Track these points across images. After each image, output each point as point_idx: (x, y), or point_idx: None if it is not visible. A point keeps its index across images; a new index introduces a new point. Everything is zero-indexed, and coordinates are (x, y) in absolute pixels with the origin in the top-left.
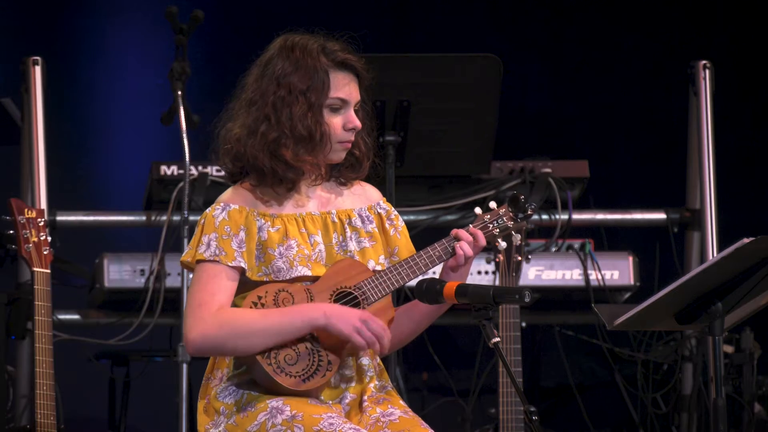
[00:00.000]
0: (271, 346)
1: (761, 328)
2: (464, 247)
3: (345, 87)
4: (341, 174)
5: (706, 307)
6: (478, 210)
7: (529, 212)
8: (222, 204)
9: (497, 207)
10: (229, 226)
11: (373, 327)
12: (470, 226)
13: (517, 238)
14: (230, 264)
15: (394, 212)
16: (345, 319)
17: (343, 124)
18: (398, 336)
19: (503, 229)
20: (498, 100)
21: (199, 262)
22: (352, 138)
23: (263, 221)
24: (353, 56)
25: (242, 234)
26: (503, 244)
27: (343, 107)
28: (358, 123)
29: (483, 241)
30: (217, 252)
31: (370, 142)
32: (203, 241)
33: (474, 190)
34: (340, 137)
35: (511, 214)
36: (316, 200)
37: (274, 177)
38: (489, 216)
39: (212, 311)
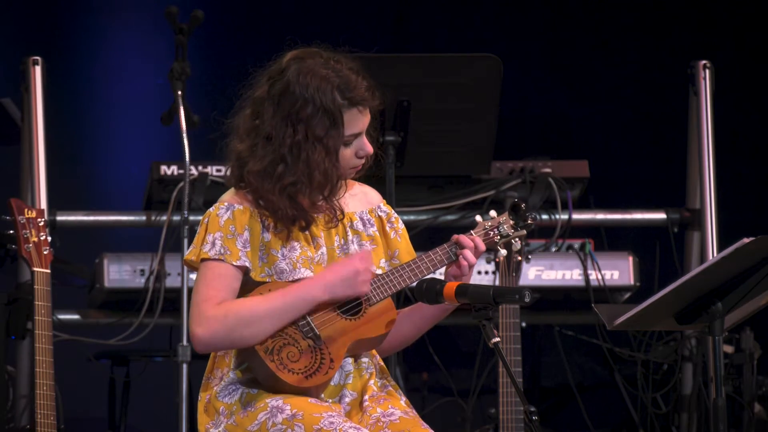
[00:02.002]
0: (278, 329)
1: (761, 328)
2: (467, 256)
3: (358, 122)
4: None
5: (706, 307)
6: (478, 218)
7: (529, 221)
8: (226, 203)
9: (498, 215)
10: (234, 226)
11: (366, 262)
12: (471, 232)
13: (517, 242)
14: (235, 263)
15: (394, 215)
16: (346, 282)
17: (355, 152)
18: (398, 338)
19: (504, 236)
20: (498, 100)
21: (203, 260)
22: (363, 161)
23: (267, 222)
24: (369, 94)
25: (246, 234)
26: (503, 252)
27: (356, 138)
28: (370, 149)
29: (483, 247)
30: (222, 251)
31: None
32: (207, 239)
33: (474, 190)
34: (351, 164)
35: (512, 222)
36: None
37: (286, 217)
38: (489, 224)
39: (215, 306)
